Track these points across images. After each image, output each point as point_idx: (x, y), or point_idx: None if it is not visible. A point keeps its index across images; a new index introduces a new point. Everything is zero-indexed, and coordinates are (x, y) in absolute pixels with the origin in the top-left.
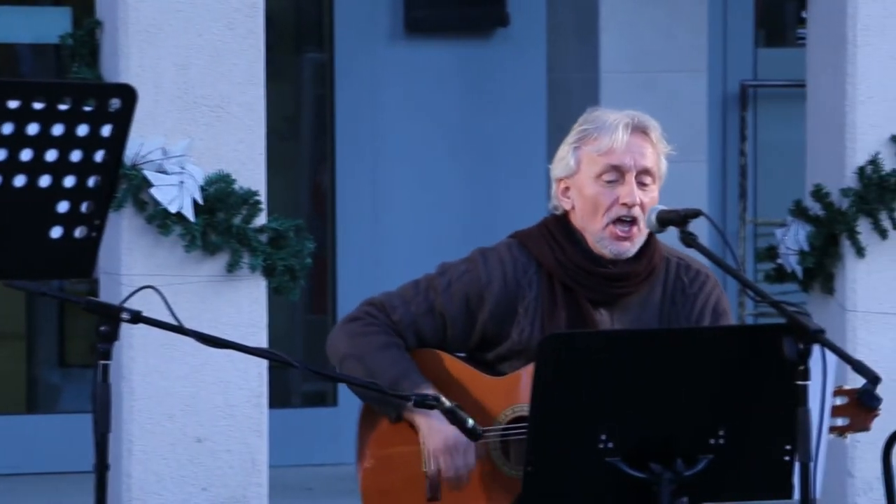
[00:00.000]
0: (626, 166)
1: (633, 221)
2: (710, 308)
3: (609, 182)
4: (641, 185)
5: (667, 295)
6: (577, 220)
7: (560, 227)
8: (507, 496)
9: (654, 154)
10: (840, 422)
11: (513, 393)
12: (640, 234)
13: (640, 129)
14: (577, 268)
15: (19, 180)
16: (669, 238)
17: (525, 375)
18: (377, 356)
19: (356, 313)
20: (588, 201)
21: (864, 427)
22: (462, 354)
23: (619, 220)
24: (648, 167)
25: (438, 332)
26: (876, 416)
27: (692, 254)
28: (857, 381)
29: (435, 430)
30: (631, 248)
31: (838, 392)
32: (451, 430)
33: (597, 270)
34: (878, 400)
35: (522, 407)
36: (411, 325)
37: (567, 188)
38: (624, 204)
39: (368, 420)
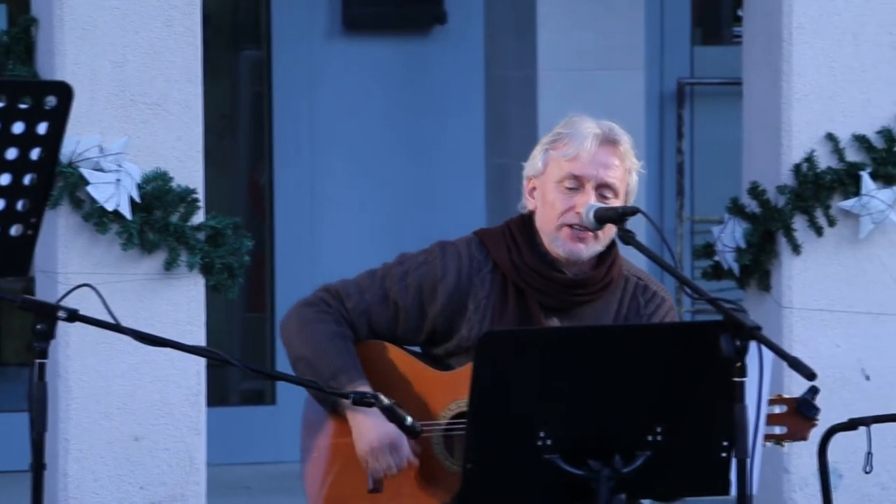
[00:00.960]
0: (587, 177)
1: (585, 230)
2: None
3: (569, 189)
4: (602, 197)
5: (621, 312)
6: (538, 221)
7: (522, 229)
8: (450, 491)
9: (621, 169)
10: (778, 430)
11: (456, 388)
12: (594, 241)
13: (609, 143)
14: (531, 271)
15: None
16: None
17: (469, 370)
18: (322, 345)
19: (311, 299)
20: (547, 204)
21: (802, 437)
22: (414, 349)
23: (572, 226)
24: (610, 183)
25: (391, 322)
26: (814, 425)
27: (633, 253)
28: (793, 378)
29: (362, 434)
30: (584, 252)
31: (777, 400)
32: (377, 433)
33: (552, 275)
34: (816, 410)
35: (466, 402)
36: (364, 312)
37: (534, 188)
38: (578, 213)
39: (313, 413)
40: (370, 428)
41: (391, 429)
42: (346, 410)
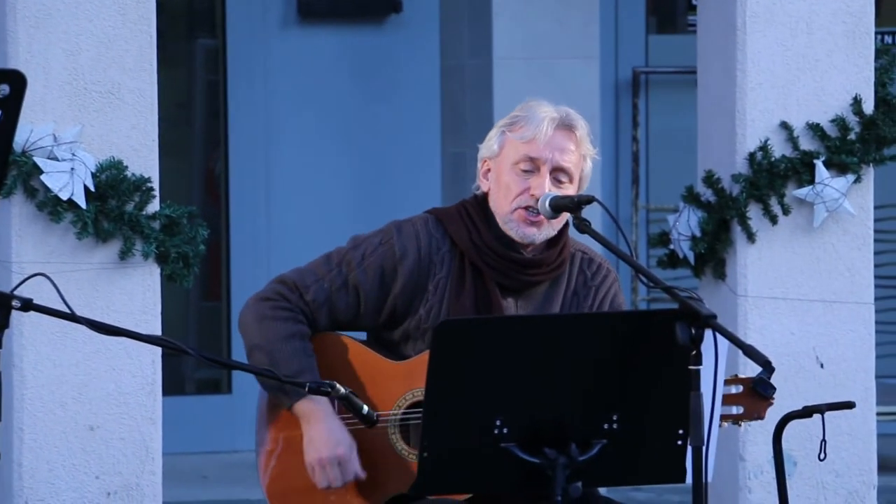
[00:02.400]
0: (542, 159)
1: (538, 213)
2: (608, 303)
3: (524, 171)
4: (557, 181)
5: (570, 287)
6: (492, 202)
7: (477, 209)
8: (404, 482)
9: (576, 154)
10: (735, 410)
11: (412, 377)
12: (548, 225)
13: (566, 127)
14: (489, 250)
15: None
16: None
17: (424, 360)
18: (280, 346)
19: (268, 293)
20: (502, 186)
21: (759, 416)
22: (364, 339)
23: (526, 208)
24: (565, 166)
25: (352, 308)
26: (770, 404)
27: (588, 242)
28: (748, 365)
29: (312, 444)
30: (538, 235)
31: (733, 381)
32: (327, 447)
33: (509, 255)
34: (772, 389)
35: (421, 391)
36: (325, 302)
37: (489, 170)
38: (533, 195)
39: (270, 404)
40: (320, 440)
41: (341, 443)
42: (299, 418)
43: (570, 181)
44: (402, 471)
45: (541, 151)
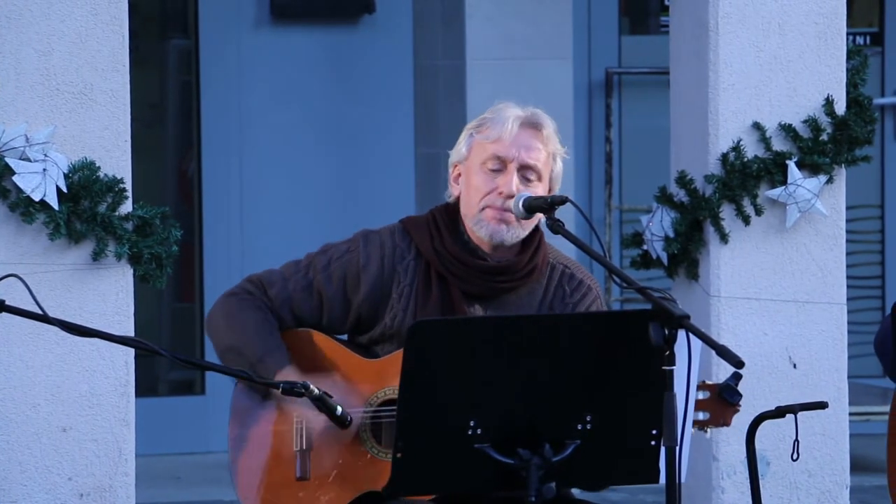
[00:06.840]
0: (508, 157)
1: (508, 211)
2: None
3: (492, 170)
4: (525, 179)
5: (546, 300)
6: (462, 206)
7: (445, 216)
8: (376, 479)
9: (544, 152)
10: (701, 416)
11: (384, 375)
12: (517, 225)
13: (531, 125)
14: (452, 257)
15: None
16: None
17: (396, 358)
18: (246, 331)
19: (235, 289)
20: (471, 188)
21: (725, 422)
22: (341, 337)
23: (494, 207)
24: (532, 164)
25: (315, 312)
26: (736, 411)
27: (561, 243)
28: (721, 366)
29: (297, 403)
30: (506, 233)
31: (701, 387)
32: (314, 410)
33: (473, 262)
34: (738, 396)
35: (393, 389)
36: (286, 301)
37: (459, 174)
38: (500, 193)
39: (243, 401)
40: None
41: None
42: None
43: (539, 179)
44: (372, 468)
45: (507, 149)
